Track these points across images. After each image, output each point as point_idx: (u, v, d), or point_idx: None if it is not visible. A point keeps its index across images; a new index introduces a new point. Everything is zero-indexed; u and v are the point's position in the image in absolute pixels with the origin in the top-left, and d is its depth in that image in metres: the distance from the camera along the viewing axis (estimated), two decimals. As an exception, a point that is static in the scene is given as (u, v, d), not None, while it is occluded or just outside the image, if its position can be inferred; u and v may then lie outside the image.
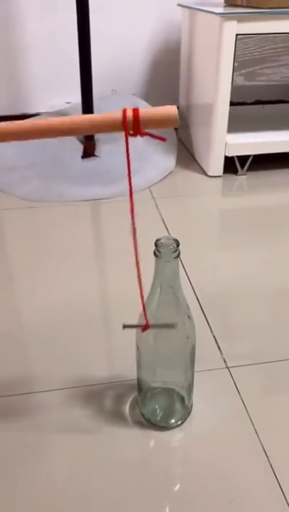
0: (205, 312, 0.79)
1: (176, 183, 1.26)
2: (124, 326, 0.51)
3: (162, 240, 0.50)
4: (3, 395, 0.64)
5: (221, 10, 1.11)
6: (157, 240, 0.49)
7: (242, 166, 1.27)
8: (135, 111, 0.39)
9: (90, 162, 1.28)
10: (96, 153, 1.30)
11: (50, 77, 1.51)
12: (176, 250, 0.49)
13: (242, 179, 1.27)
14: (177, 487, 0.53)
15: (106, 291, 0.87)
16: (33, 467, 0.55)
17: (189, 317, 0.54)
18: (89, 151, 1.31)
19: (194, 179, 1.27)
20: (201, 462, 0.56)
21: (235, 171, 1.28)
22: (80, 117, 0.42)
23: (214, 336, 0.74)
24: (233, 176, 1.28)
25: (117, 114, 0.41)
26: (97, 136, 1.32)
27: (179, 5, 1.34)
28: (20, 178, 1.24)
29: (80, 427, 0.59)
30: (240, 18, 1.07)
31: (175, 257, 0.49)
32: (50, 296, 0.84)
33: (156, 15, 1.47)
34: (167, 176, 1.28)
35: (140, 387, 0.59)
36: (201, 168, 1.31)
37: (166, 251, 0.49)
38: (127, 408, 0.61)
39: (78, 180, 1.23)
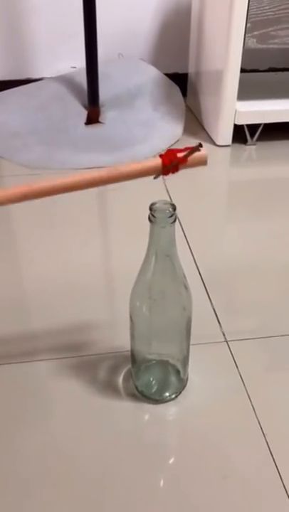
0: (206, 285, 0.77)
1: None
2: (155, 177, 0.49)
3: (158, 205, 0.46)
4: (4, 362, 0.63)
5: None
6: (152, 204, 0.46)
7: (252, 136, 1.22)
8: (175, 160, 0.43)
9: (94, 129, 1.24)
10: (100, 119, 1.26)
11: (55, 41, 1.45)
12: (172, 215, 0.46)
13: (251, 149, 1.22)
14: (169, 461, 0.52)
15: (108, 262, 0.85)
16: (25, 435, 0.54)
17: (186, 287, 0.51)
18: (93, 117, 1.26)
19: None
20: (195, 437, 0.54)
21: (244, 141, 1.23)
22: (119, 169, 0.46)
23: (214, 309, 0.72)
24: (242, 146, 1.23)
25: (157, 162, 0.45)
26: (102, 101, 1.27)
27: None
28: (22, 144, 1.20)
29: (72, 398, 0.58)
30: (255, -26, 1.00)
31: (171, 223, 0.46)
32: (49, 264, 0.82)
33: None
34: (174, 144, 1.24)
35: (134, 359, 0.57)
36: (210, 137, 1.26)
37: (162, 216, 0.46)
38: (120, 380, 0.60)
39: (82, 148, 1.19)
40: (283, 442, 0.53)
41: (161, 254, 0.48)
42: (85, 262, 0.83)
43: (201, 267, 0.80)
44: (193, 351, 0.58)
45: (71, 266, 0.81)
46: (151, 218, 0.46)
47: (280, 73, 1.48)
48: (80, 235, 0.90)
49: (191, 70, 1.42)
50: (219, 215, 1.00)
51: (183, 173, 1.27)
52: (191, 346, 0.57)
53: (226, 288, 0.77)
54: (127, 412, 0.56)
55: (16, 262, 0.84)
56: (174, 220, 0.46)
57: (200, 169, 1.32)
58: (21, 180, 1.09)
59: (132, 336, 0.55)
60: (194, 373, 0.60)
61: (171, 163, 0.45)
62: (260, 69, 1.55)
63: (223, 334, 0.67)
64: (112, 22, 1.42)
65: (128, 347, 0.57)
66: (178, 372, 0.58)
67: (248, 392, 0.59)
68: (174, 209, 0.46)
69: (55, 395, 0.59)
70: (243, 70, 1.15)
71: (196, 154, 0.44)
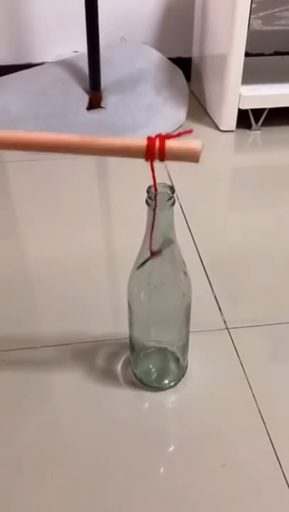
0: (208, 272, 0.75)
1: (185, 137, 1.19)
2: (139, 267, 0.48)
3: (157, 187, 0.45)
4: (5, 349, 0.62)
5: None
6: (149, 187, 0.45)
7: (256, 121, 1.20)
8: (161, 142, 0.39)
9: (95, 114, 1.22)
10: (102, 104, 1.24)
11: (56, 25, 1.43)
12: (170, 198, 0.44)
13: (256, 134, 1.20)
14: (168, 449, 0.51)
15: (107, 247, 0.83)
16: (24, 421, 0.53)
17: (185, 273, 0.50)
18: (95, 102, 1.24)
19: (205, 133, 1.20)
20: (194, 424, 0.53)
21: (248, 126, 1.21)
22: (102, 139, 0.43)
23: (215, 297, 0.70)
24: (247, 131, 1.20)
25: (142, 143, 0.41)
26: (103, 86, 1.25)
27: None
28: (23, 129, 1.19)
29: (71, 384, 0.57)
30: None
31: (170, 206, 0.45)
32: (50, 250, 0.81)
33: None
34: (177, 129, 1.21)
35: (132, 346, 0.56)
36: (213, 122, 1.24)
37: (160, 198, 0.44)
38: (119, 367, 0.59)
39: (83, 133, 1.17)
40: (283, 431, 0.53)
41: (159, 238, 0.47)
42: (84, 248, 0.82)
43: (202, 254, 0.79)
44: (194, 339, 0.57)
45: (71, 252, 0.81)
46: (149, 201, 0.44)
47: (286, 57, 1.45)
48: (81, 221, 0.89)
49: (194, 54, 1.39)
50: (222, 202, 0.98)
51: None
52: (191, 334, 0.56)
53: (228, 275, 0.76)
54: (125, 399, 0.56)
55: (15, 249, 0.83)
56: (173, 203, 0.45)
57: (204, 154, 1.30)
58: (21, 165, 1.08)
59: (131, 323, 0.54)
60: (194, 361, 0.59)
61: (157, 147, 0.41)
62: (266, 53, 1.52)
63: (224, 322, 0.66)
64: (114, 5, 1.39)
65: (127, 334, 0.56)
66: (177, 359, 0.57)
67: (249, 380, 0.58)
68: (173, 191, 0.45)
69: (54, 381, 0.58)
70: (248, 54, 1.12)
71: (188, 148, 0.42)
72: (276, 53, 1.53)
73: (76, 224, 0.88)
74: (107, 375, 0.58)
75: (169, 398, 0.56)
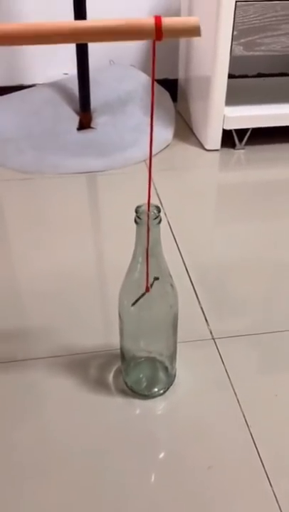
0: (194, 284, 0.79)
1: (172, 156, 1.24)
2: (134, 304, 0.52)
3: (143, 207, 0.49)
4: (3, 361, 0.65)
5: (220, -25, 1.07)
6: (138, 207, 0.49)
7: (240, 140, 1.25)
8: (158, 19, 0.38)
9: (86, 134, 1.27)
10: (92, 125, 1.28)
11: (46, 48, 1.48)
12: (157, 217, 0.48)
13: (240, 153, 1.25)
14: (158, 452, 0.54)
15: (98, 262, 0.87)
16: (18, 430, 0.56)
17: (172, 286, 0.54)
18: (85, 122, 1.28)
19: (191, 152, 1.25)
20: (182, 429, 0.56)
21: (233, 145, 1.26)
22: (104, 22, 0.38)
23: (202, 308, 0.74)
24: (231, 150, 1.26)
25: (149, 21, 0.38)
26: (93, 107, 1.30)
27: None
28: (15, 149, 1.23)
29: (64, 394, 0.60)
30: (240, -16, 1.03)
31: (156, 224, 0.48)
32: (42, 265, 0.84)
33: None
34: (164, 148, 1.26)
35: (123, 356, 0.59)
36: (199, 142, 1.29)
37: (147, 217, 0.48)
38: (110, 377, 0.62)
39: (74, 152, 1.22)
40: (267, 434, 0.56)
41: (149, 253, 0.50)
42: (75, 261, 0.85)
43: (189, 267, 0.83)
44: (181, 349, 0.60)
45: (62, 265, 0.83)
46: (137, 220, 0.48)
47: (268, 79, 1.51)
48: (72, 235, 0.92)
49: (180, 75, 1.45)
50: (208, 217, 1.02)
51: (173, 176, 1.29)
52: (179, 344, 0.59)
53: (214, 287, 0.79)
54: (117, 406, 0.58)
55: (8, 261, 0.86)
56: (159, 222, 0.48)
57: (190, 173, 1.35)
58: (14, 185, 1.12)
59: (122, 334, 0.57)
60: (182, 370, 0.62)
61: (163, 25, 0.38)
62: (249, 74, 1.59)
63: (210, 332, 0.69)
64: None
65: (118, 345, 0.59)
66: (166, 368, 0.60)
67: (234, 387, 0.61)
68: (159, 211, 0.48)
69: (47, 391, 0.61)
70: (231, 76, 1.17)
71: (187, 22, 0.39)
72: (259, 75, 1.59)
73: (67, 238, 0.92)
74: (99, 384, 0.61)
75: (159, 405, 0.59)
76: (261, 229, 0.95)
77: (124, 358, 0.59)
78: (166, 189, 1.08)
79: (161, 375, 0.60)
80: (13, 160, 1.19)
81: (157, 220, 0.48)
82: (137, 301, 0.51)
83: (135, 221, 0.48)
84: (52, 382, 0.62)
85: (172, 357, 0.59)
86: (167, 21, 0.38)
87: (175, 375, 0.61)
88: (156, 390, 0.60)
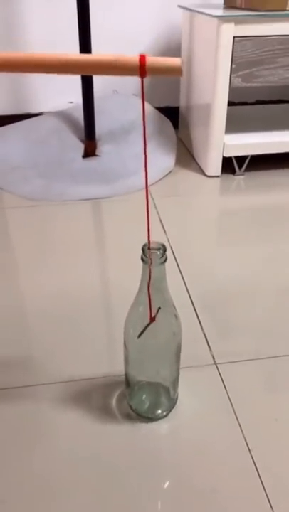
0: (196, 309, 0.82)
1: (174, 182, 1.28)
2: (139, 335, 0.54)
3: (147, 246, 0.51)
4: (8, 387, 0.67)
5: (219, 12, 1.13)
6: (144, 246, 0.52)
7: (240, 166, 1.29)
8: (142, 57, 0.40)
9: (90, 162, 1.31)
10: (97, 152, 1.33)
11: (52, 78, 1.54)
12: (162, 256, 0.51)
13: (240, 179, 1.29)
14: (162, 475, 0.56)
15: (103, 287, 0.89)
16: (24, 458, 0.58)
17: (176, 316, 0.56)
18: (90, 150, 1.33)
19: (193, 179, 1.29)
20: (185, 453, 0.58)
21: (233, 171, 1.30)
22: (94, 56, 0.41)
23: (204, 333, 0.76)
24: (231, 176, 1.30)
25: (133, 60, 0.40)
26: (98, 135, 1.35)
27: (179, 6, 1.36)
28: (22, 177, 1.27)
29: (69, 419, 0.62)
30: (238, 21, 1.09)
31: (162, 263, 0.51)
32: (47, 289, 0.87)
33: (157, 15, 1.49)
34: (166, 175, 1.30)
35: (128, 381, 0.62)
36: (200, 168, 1.33)
37: (153, 257, 0.51)
38: (114, 401, 0.64)
39: (79, 180, 1.26)
40: (268, 458, 0.58)
41: (152, 288, 0.53)
42: (81, 285, 0.87)
43: (191, 291, 0.85)
44: (184, 374, 0.63)
45: (67, 289, 0.86)
46: (144, 258, 0.51)
47: (267, 106, 1.56)
48: (77, 261, 0.95)
49: (182, 103, 1.50)
50: (210, 241, 1.06)
51: (175, 202, 1.33)
52: (182, 369, 0.62)
53: (217, 312, 0.82)
54: (121, 431, 0.61)
55: (14, 285, 0.89)
56: (165, 260, 0.51)
57: (191, 199, 1.39)
58: (21, 212, 1.16)
59: (126, 362, 0.60)
60: (185, 395, 0.64)
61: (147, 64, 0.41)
62: (248, 101, 1.64)
63: (213, 357, 0.72)
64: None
65: (121, 371, 0.62)
66: (168, 393, 0.62)
67: (236, 411, 0.63)
68: (165, 250, 0.51)
69: (52, 417, 0.63)
70: (231, 103, 1.22)
71: (169, 61, 0.40)
72: (258, 102, 1.65)
73: (72, 264, 0.95)
74: (103, 410, 0.63)
75: (162, 429, 0.61)
76: (263, 253, 0.98)
77: (129, 383, 0.62)
78: (168, 215, 1.12)
79: (164, 399, 0.63)
80: (21, 188, 1.24)
81: (162, 259, 0.51)
82: (142, 332, 0.54)
83: (142, 259, 0.51)
84: (56, 408, 0.64)
85: (175, 382, 0.62)
86: (151, 60, 0.40)
87: (177, 399, 0.64)
88: (159, 412, 0.62)
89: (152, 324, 0.55)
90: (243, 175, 1.30)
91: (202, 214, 1.15)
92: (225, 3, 1.27)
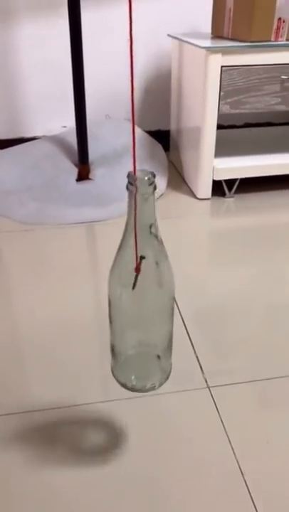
0: (189, 331, 0.84)
1: (166, 205, 1.31)
2: (134, 287, 0.46)
3: (137, 173, 0.44)
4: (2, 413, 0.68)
5: (206, 43, 1.18)
6: (130, 172, 0.44)
7: (229, 189, 1.33)
8: None
9: (84, 185, 1.34)
10: (90, 176, 1.36)
11: (46, 102, 1.58)
12: (152, 183, 0.43)
13: (230, 201, 1.32)
14: (151, 503, 0.57)
15: (99, 310, 0.91)
16: (29, 482, 0.59)
17: (168, 264, 0.51)
18: (83, 174, 1.36)
19: (184, 201, 1.33)
20: (178, 478, 0.60)
21: (223, 194, 1.33)
22: None
23: (197, 356, 0.78)
24: (221, 199, 1.33)
25: None
26: (91, 159, 1.38)
27: (168, 35, 1.41)
28: (17, 201, 1.29)
29: (65, 443, 0.63)
30: (225, 51, 1.13)
31: (151, 192, 0.44)
32: (41, 314, 0.88)
33: (147, 43, 1.53)
34: (158, 198, 1.33)
35: (113, 351, 0.55)
36: (191, 191, 1.37)
37: (140, 183, 0.43)
38: (109, 428, 0.66)
39: (73, 203, 1.29)
40: (261, 482, 0.59)
41: (143, 227, 0.46)
42: (75, 309, 0.89)
43: (183, 313, 0.88)
44: (176, 398, 0.65)
45: (61, 314, 0.88)
46: (129, 187, 0.43)
47: (254, 129, 1.61)
48: (72, 285, 0.97)
49: (172, 127, 1.54)
50: (201, 262, 1.08)
51: (167, 224, 1.36)
52: (174, 393, 0.63)
53: (208, 332, 0.84)
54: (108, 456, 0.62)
55: (8, 310, 0.90)
56: (154, 189, 0.44)
57: (182, 221, 1.41)
58: (16, 236, 1.18)
59: (112, 327, 0.53)
60: (177, 419, 0.66)
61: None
62: (237, 124, 1.69)
63: (205, 380, 0.74)
64: (99, 86, 1.55)
65: (116, 397, 0.63)
66: (160, 360, 0.56)
67: (228, 435, 0.65)
68: (154, 176, 0.44)
69: (46, 442, 0.64)
70: (220, 126, 1.26)
71: None
72: (246, 125, 1.69)
73: (66, 289, 0.96)
74: (96, 436, 0.65)
75: (154, 451, 0.63)
76: (252, 272, 1.01)
77: (114, 353, 0.55)
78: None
79: (155, 368, 0.57)
80: (16, 212, 1.26)
81: (152, 187, 0.43)
82: (135, 283, 0.47)
83: (127, 188, 0.44)
84: (53, 432, 0.65)
85: (167, 349, 0.55)
86: None
87: (170, 371, 0.57)
88: (149, 384, 0.56)
89: (141, 277, 0.47)
90: (232, 197, 1.33)
91: (193, 236, 1.18)
92: (212, 32, 1.32)
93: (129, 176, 0.43)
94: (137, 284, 0.47)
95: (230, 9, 1.19)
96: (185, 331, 0.84)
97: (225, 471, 0.61)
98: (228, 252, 1.10)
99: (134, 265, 0.47)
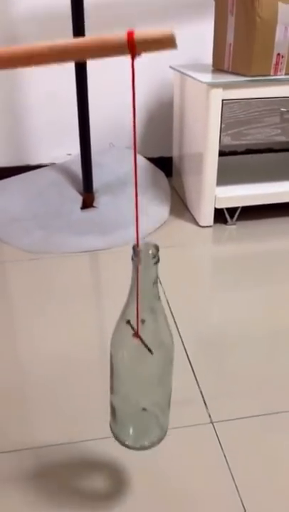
0: (191, 362, 0.85)
1: (169, 232, 1.33)
2: (150, 350, 0.48)
3: (141, 246, 0.47)
4: (4, 450, 0.69)
5: (208, 77, 1.21)
6: (134, 245, 0.47)
7: (231, 217, 1.35)
8: (130, 34, 0.36)
9: (88, 213, 1.36)
10: (94, 204, 1.39)
11: (51, 131, 1.61)
12: (155, 256, 0.47)
13: (232, 229, 1.34)
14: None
15: (104, 341, 0.92)
16: (31, 522, 0.60)
17: (169, 329, 0.53)
18: (88, 202, 1.39)
19: (186, 229, 1.35)
20: (184, 516, 0.61)
21: (225, 221, 1.36)
22: (79, 39, 0.38)
23: (201, 391, 0.79)
24: (223, 226, 1.35)
25: (120, 37, 0.37)
26: (95, 188, 1.41)
27: (170, 67, 1.45)
28: (23, 229, 1.32)
29: (60, 479, 0.64)
30: (226, 86, 1.16)
31: (154, 263, 0.47)
32: (46, 349, 0.89)
33: (150, 74, 1.57)
34: (161, 225, 1.36)
35: (114, 411, 0.57)
36: (193, 218, 1.39)
37: (145, 256, 0.47)
38: (108, 464, 0.67)
39: (78, 231, 1.31)
40: (263, 519, 0.60)
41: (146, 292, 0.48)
42: (81, 341, 0.90)
43: (185, 342, 0.89)
44: (180, 433, 0.65)
45: (65, 347, 0.89)
46: (134, 258, 0.47)
47: (255, 155, 1.64)
48: (76, 315, 0.99)
49: (174, 154, 1.57)
50: (202, 290, 1.10)
51: (169, 252, 1.37)
52: (177, 429, 0.64)
53: (212, 363, 0.84)
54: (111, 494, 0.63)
55: (12, 342, 0.91)
56: (157, 261, 0.47)
57: (185, 249, 1.42)
58: (20, 266, 1.20)
59: (113, 389, 0.55)
60: (180, 455, 0.66)
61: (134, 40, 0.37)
62: (238, 150, 1.72)
63: (209, 415, 0.75)
64: (103, 115, 1.58)
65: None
66: (158, 419, 0.57)
67: (232, 471, 0.66)
68: (157, 250, 0.47)
69: (43, 480, 0.65)
70: (222, 153, 1.28)
71: (160, 32, 0.37)
72: (247, 151, 1.73)
73: (70, 320, 0.98)
74: (96, 473, 0.66)
75: (156, 488, 0.63)
76: (255, 301, 1.02)
77: (115, 413, 0.57)
78: (162, 265, 1.16)
79: (154, 427, 0.58)
80: (21, 240, 1.28)
81: (155, 260, 0.47)
82: (148, 347, 0.48)
83: (132, 259, 0.47)
84: (48, 472, 0.66)
85: (166, 407, 0.56)
86: (139, 35, 0.37)
87: (167, 428, 0.59)
88: (146, 443, 0.57)
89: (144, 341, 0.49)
90: (234, 224, 1.36)
91: (195, 263, 1.20)
92: (213, 65, 1.36)
93: (133, 248, 0.46)
94: (140, 352, 0.49)
95: (230, 44, 1.23)
96: (187, 361, 0.85)
97: (228, 508, 0.61)
98: (230, 280, 1.12)
99: (135, 327, 0.49)
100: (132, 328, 0.49)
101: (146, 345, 0.49)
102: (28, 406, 0.77)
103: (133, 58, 0.38)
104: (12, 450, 0.69)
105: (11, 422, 0.74)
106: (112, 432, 0.59)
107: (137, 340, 0.49)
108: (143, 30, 0.37)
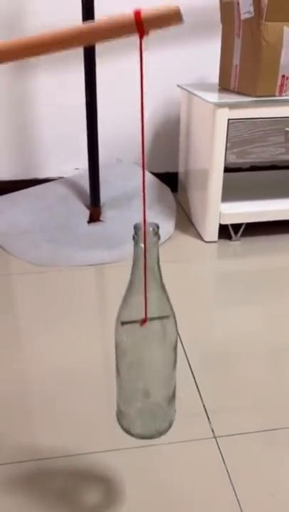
0: (195, 376, 0.86)
1: (174, 248, 1.35)
2: (123, 323, 0.50)
3: (140, 225, 0.50)
4: (7, 462, 0.71)
5: (214, 97, 1.24)
6: (136, 225, 0.50)
7: (236, 232, 1.37)
8: (137, 13, 0.37)
9: (95, 227, 1.39)
10: (101, 218, 1.41)
11: (59, 145, 1.65)
12: (156, 233, 0.49)
13: (236, 244, 1.36)
14: None
15: (109, 354, 0.93)
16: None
17: (173, 316, 0.56)
18: (95, 216, 1.41)
19: (191, 244, 1.37)
20: (187, 530, 0.61)
21: (229, 237, 1.38)
22: (79, 26, 0.39)
23: (204, 405, 0.81)
24: (228, 242, 1.37)
25: (128, 17, 0.37)
26: (102, 202, 1.43)
27: (178, 86, 1.48)
28: (30, 242, 1.34)
29: (65, 495, 0.65)
30: (232, 106, 1.19)
31: (155, 242, 0.50)
32: (52, 362, 0.90)
33: (157, 91, 1.61)
34: (166, 240, 1.38)
35: (119, 403, 0.60)
36: (198, 233, 1.41)
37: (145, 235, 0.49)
38: (112, 479, 0.68)
39: (85, 245, 1.33)
40: (265, 534, 0.61)
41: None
42: (88, 355, 0.91)
43: (190, 357, 0.90)
44: (182, 448, 0.66)
45: (75, 361, 0.90)
46: (135, 237, 0.50)
47: (260, 172, 1.66)
48: (82, 328, 1.00)
49: (180, 169, 1.60)
50: (207, 306, 1.11)
51: (174, 267, 1.39)
52: (180, 443, 0.65)
53: (215, 378, 0.85)
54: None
55: (17, 355, 0.93)
56: (159, 238, 0.50)
57: (189, 264, 1.44)
58: (28, 279, 1.22)
59: (119, 386, 0.57)
60: (183, 469, 0.67)
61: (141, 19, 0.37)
62: (243, 167, 1.75)
63: (212, 430, 0.76)
64: (110, 130, 1.62)
65: (120, 446, 0.64)
66: (163, 409, 0.60)
67: (234, 487, 0.67)
68: (158, 227, 0.50)
69: (45, 491, 0.66)
70: (227, 170, 1.31)
71: (166, 9, 0.37)
72: (252, 167, 1.75)
73: (76, 333, 0.99)
74: (98, 485, 0.67)
75: (158, 504, 0.64)
76: (259, 316, 1.03)
77: (120, 406, 0.59)
78: (167, 279, 1.17)
79: (160, 417, 0.60)
80: (29, 253, 1.31)
81: (156, 238, 0.49)
82: (128, 322, 0.50)
83: (133, 238, 0.50)
84: (51, 484, 0.67)
85: (171, 398, 0.59)
86: (146, 13, 0.37)
87: (174, 415, 0.61)
88: (155, 432, 0.60)
89: (148, 333, 0.51)
90: (239, 240, 1.38)
91: (200, 278, 1.22)
92: (219, 84, 1.39)
93: (135, 226, 0.49)
94: (141, 333, 0.51)
95: (236, 66, 1.27)
96: (191, 375, 0.86)
97: (231, 524, 0.62)
98: (234, 296, 1.13)
99: (142, 311, 0.51)
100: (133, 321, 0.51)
101: (159, 317, 0.51)
102: (30, 418, 0.78)
103: (141, 38, 0.38)
104: (15, 462, 0.70)
105: (13, 434, 0.74)
106: (118, 421, 0.60)
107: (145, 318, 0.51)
108: (149, 8, 0.37)
